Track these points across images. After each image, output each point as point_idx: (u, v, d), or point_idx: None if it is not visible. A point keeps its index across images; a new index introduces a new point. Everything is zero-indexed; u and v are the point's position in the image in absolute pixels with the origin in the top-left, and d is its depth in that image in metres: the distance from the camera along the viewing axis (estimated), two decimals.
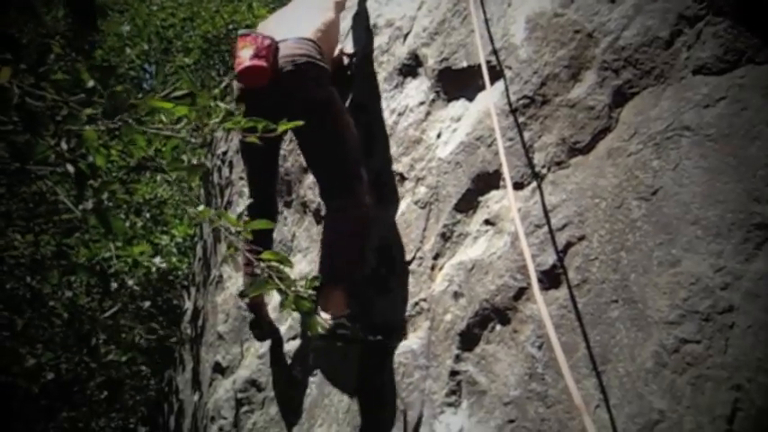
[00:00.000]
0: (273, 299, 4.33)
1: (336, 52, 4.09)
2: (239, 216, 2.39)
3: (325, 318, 3.26)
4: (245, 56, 3.49)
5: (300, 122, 2.87)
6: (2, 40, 1.95)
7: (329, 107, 3.56)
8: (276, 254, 2.30)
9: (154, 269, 6.46)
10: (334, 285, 3.35)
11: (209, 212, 2.35)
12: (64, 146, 2.05)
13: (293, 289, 2.19)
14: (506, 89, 2.90)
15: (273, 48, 3.53)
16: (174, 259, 7.31)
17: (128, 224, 6.69)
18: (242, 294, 3.99)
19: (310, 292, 2.24)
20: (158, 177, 7.66)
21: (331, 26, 3.88)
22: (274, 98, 3.48)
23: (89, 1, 1.93)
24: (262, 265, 2.25)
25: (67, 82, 2.02)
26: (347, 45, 4.38)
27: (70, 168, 2.12)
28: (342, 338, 3.24)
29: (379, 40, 4.04)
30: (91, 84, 2.05)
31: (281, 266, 2.26)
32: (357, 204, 3.44)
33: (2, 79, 1.84)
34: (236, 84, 3.76)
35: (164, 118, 3.00)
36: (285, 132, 2.87)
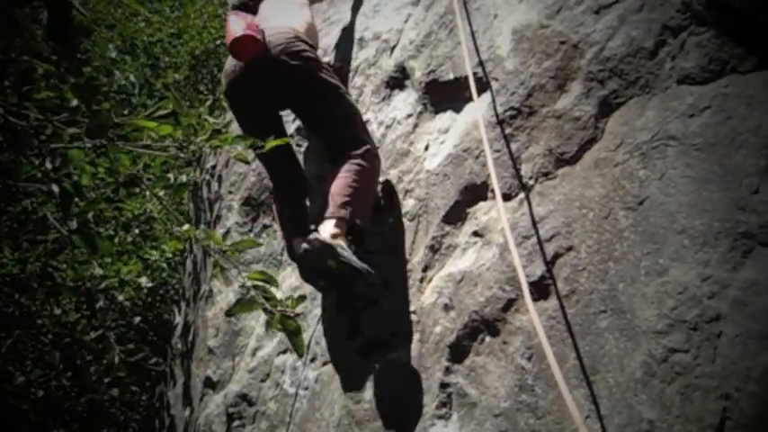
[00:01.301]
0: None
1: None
2: (226, 234, 2.39)
3: (323, 237, 3.21)
4: (237, 28, 3.53)
5: (286, 140, 2.89)
6: None
7: (324, 76, 3.58)
8: (263, 273, 2.29)
9: (143, 286, 6.43)
10: (336, 217, 3.29)
11: (194, 231, 2.34)
12: (48, 165, 2.04)
13: (279, 308, 2.18)
14: (493, 101, 2.91)
15: (261, 29, 3.58)
16: (164, 274, 7.28)
17: (117, 240, 6.66)
18: (228, 313, 3.98)
19: (296, 311, 2.23)
20: (147, 193, 7.64)
21: (311, 21, 3.95)
22: (265, 81, 3.52)
23: (65, 21, 1.93)
24: (248, 283, 2.24)
25: (51, 101, 2.01)
26: (334, 57, 4.39)
27: (55, 188, 2.11)
28: (335, 257, 3.16)
29: (367, 53, 4.04)
30: (75, 103, 2.04)
31: (268, 286, 2.25)
32: (371, 151, 3.45)
33: None
34: (223, 77, 3.79)
35: (153, 134, 2.99)
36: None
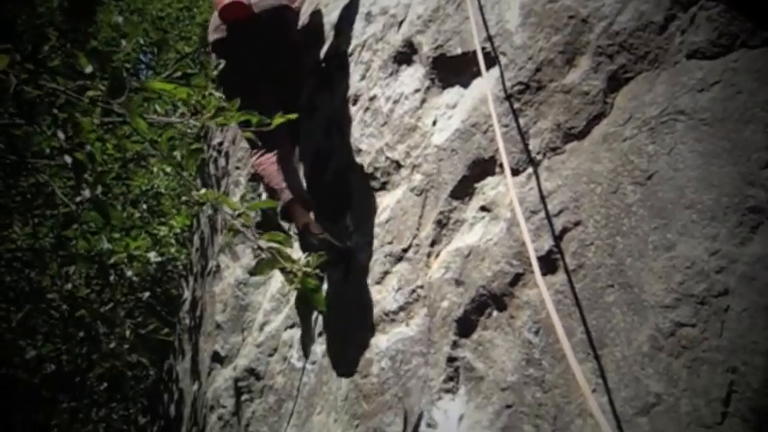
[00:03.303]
0: (273, 284, 4.34)
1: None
2: (241, 199, 2.42)
3: (313, 230, 3.63)
4: None
5: (294, 115, 2.96)
6: (0, 28, 1.95)
7: (299, 52, 4.14)
8: (277, 234, 2.32)
9: (152, 261, 6.47)
10: (294, 203, 3.73)
11: (211, 195, 2.36)
12: (61, 135, 2.06)
13: (297, 267, 2.21)
14: (501, 75, 2.90)
15: None
16: (172, 250, 7.32)
17: (125, 216, 6.69)
18: (251, 273, 4.21)
19: (317, 270, 2.27)
20: (155, 169, 7.65)
21: None
22: (250, 42, 3.72)
23: None
24: (264, 245, 2.26)
25: (65, 68, 2.02)
26: (338, 32, 4.39)
27: (67, 159, 2.13)
28: (309, 247, 3.53)
29: (374, 28, 4.03)
30: (89, 69, 2.05)
31: (282, 246, 2.28)
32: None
33: None
34: (210, 35, 3.97)
35: (158, 108, 2.99)
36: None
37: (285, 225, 4.10)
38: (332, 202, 4.00)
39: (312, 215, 3.77)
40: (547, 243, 2.45)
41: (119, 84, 2.02)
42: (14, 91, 1.98)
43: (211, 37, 4.02)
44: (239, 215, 2.49)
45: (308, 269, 2.32)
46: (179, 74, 2.20)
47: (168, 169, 7.23)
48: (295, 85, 4.24)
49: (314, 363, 3.75)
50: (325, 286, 3.80)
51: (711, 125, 2.06)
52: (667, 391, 1.92)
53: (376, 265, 3.40)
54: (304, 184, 4.10)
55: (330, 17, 4.53)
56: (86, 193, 2.28)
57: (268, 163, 3.91)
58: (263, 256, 2.38)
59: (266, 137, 3.35)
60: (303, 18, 4.85)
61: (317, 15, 4.68)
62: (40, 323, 4.77)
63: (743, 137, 1.97)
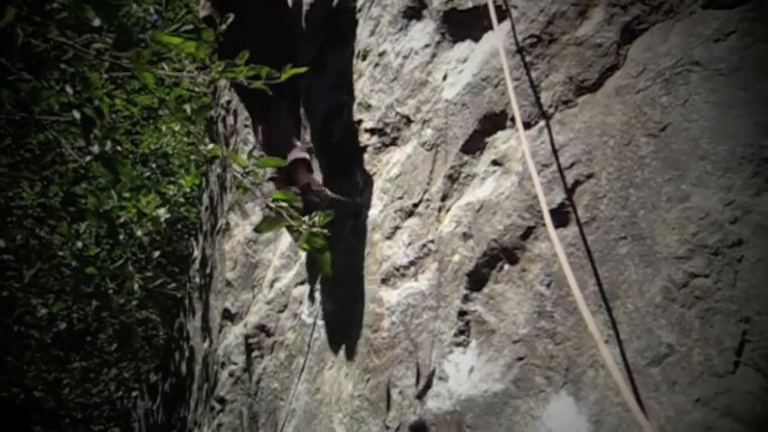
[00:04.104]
0: (283, 241, 4.35)
1: None
2: (248, 155, 2.40)
3: (295, 190, 3.67)
4: None
5: (305, 68, 2.93)
6: None
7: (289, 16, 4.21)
8: (285, 193, 2.31)
9: (162, 219, 6.49)
10: (293, 165, 3.78)
11: (219, 149, 2.35)
12: (69, 90, 2.04)
13: (305, 227, 2.20)
14: (513, 28, 2.87)
15: None
16: (182, 209, 7.33)
17: (135, 174, 6.69)
18: (256, 230, 4.21)
19: (323, 230, 2.26)
20: (163, 128, 7.64)
21: None
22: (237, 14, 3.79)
23: None
24: (272, 204, 2.26)
25: (73, 20, 2.00)
26: None
27: (76, 114, 2.12)
28: (312, 205, 3.55)
29: None
30: (97, 22, 2.03)
31: (290, 205, 2.27)
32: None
33: (6, 20, 1.82)
34: (200, 12, 4.07)
35: (166, 67, 2.97)
36: None
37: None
38: (342, 158, 3.99)
39: (313, 174, 3.79)
40: (559, 196, 2.44)
41: (126, 37, 2.00)
42: (21, 44, 1.97)
43: (201, 13, 4.06)
44: (248, 172, 2.48)
45: (315, 229, 2.32)
46: (188, 27, 2.18)
47: (177, 128, 7.21)
48: (290, 51, 4.16)
49: (324, 318, 3.77)
50: (336, 243, 3.81)
51: (727, 75, 2.04)
52: (680, 341, 1.92)
53: (386, 221, 3.40)
54: (304, 144, 4.11)
55: None
56: (95, 148, 2.27)
57: (265, 126, 3.93)
58: (269, 213, 2.38)
59: (261, 101, 3.36)
60: None
61: None
62: (50, 281, 4.80)
63: (759, 87, 1.95)
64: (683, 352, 1.91)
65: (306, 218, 2.33)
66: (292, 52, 4.11)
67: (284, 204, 2.27)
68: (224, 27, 2.45)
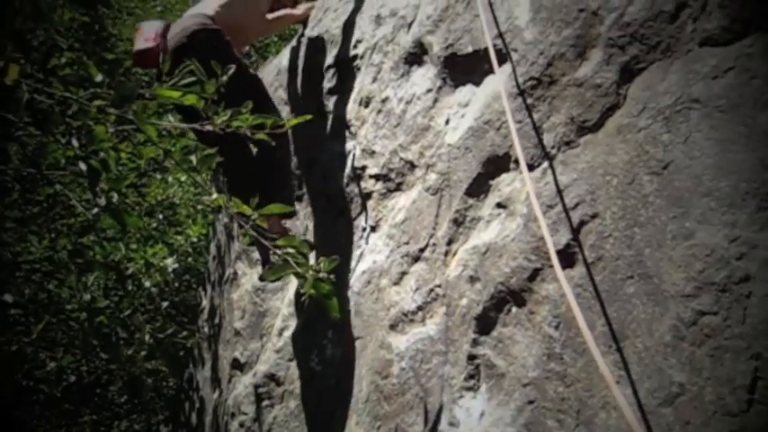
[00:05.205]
0: (290, 289, 4.34)
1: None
2: (257, 206, 2.41)
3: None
4: (137, 43, 3.97)
5: (309, 116, 2.97)
6: (12, 39, 1.96)
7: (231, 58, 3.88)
8: (292, 239, 2.32)
9: (170, 269, 6.50)
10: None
11: (223, 200, 2.36)
12: (75, 143, 2.06)
13: (311, 273, 2.20)
14: (513, 71, 2.90)
15: (162, 30, 4.01)
16: (189, 259, 7.34)
17: (141, 225, 6.71)
18: (261, 278, 4.23)
19: (330, 275, 2.26)
20: (169, 179, 7.69)
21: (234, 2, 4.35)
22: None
23: None
24: (278, 251, 2.26)
25: (76, 76, 2.03)
26: (345, 36, 4.40)
27: (82, 166, 2.14)
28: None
29: (384, 30, 4.03)
30: (99, 78, 2.06)
31: (299, 252, 2.28)
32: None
33: (11, 77, 1.85)
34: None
35: (171, 118, 3.00)
36: None
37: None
38: (348, 205, 4.00)
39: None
40: (564, 237, 2.44)
41: (125, 93, 2.02)
42: (27, 101, 1.99)
43: (141, 45, 4.12)
44: (253, 221, 2.49)
45: (321, 274, 2.32)
46: (189, 80, 2.20)
47: (183, 178, 7.25)
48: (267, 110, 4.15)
49: (334, 366, 3.75)
50: (344, 289, 3.80)
51: (726, 112, 2.05)
52: (691, 380, 1.90)
53: (393, 266, 3.40)
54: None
55: (339, 21, 4.54)
56: (102, 200, 2.29)
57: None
58: (275, 260, 2.39)
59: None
60: (313, 23, 4.86)
61: (325, 20, 4.71)
62: (59, 335, 4.80)
63: (759, 122, 1.96)
64: (694, 391, 1.89)
65: (312, 263, 2.33)
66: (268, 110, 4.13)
67: (290, 251, 2.27)
68: (225, 78, 2.47)
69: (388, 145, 3.69)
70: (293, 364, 4.21)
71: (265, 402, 4.42)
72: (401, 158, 3.55)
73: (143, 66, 3.99)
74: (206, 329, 6.29)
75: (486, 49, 2.99)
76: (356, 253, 3.81)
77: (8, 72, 1.85)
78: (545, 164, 2.65)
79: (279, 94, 4.82)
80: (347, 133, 4.15)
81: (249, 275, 5.14)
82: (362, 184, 3.87)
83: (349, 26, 4.44)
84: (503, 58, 2.98)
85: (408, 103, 3.62)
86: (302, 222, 4.47)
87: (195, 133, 3.65)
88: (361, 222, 3.86)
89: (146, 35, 4.01)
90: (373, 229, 3.70)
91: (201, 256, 7.49)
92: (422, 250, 3.23)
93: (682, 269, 2.02)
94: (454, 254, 3.02)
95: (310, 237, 4.33)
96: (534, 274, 2.54)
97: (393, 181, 3.61)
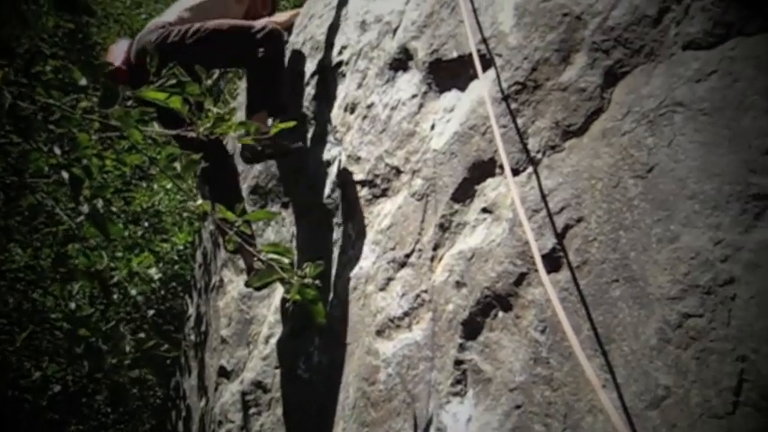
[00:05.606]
0: (276, 296, 4.33)
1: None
2: (241, 212, 2.39)
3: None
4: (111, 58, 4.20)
5: (293, 123, 2.98)
6: None
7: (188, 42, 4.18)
8: (277, 245, 2.31)
9: (156, 278, 6.46)
10: (257, 112, 4.20)
11: (207, 206, 2.35)
12: (57, 151, 2.05)
13: (296, 278, 2.19)
14: (498, 76, 2.90)
15: (128, 47, 4.26)
16: (175, 266, 7.30)
17: (127, 234, 6.68)
18: (247, 284, 4.23)
19: (315, 281, 2.25)
20: (155, 186, 7.66)
21: (203, 5, 4.50)
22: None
23: None
24: (262, 257, 2.25)
25: (59, 81, 2.02)
26: (328, 42, 4.41)
27: (65, 174, 2.12)
28: (270, 154, 4.10)
29: (369, 36, 4.03)
30: (83, 82, 2.05)
31: (282, 258, 2.27)
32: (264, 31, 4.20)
33: None
34: None
35: (156, 126, 2.99)
36: None
37: None
38: (334, 212, 3.99)
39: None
40: (550, 241, 2.44)
41: (111, 93, 2.02)
42: (9, 107, 1.98)
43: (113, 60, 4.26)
44: (238, 227, 2.48)
45: (306, 280, 2.31)
46: (173, 81, 2.19)
47: (169, 186, 7.23)
48: None
49: (320, 373, 3.73)
50: (330, 295, 3.79)
51: (710, 115, 2.06)
52: (677, 383, 1.90)
53: (379, 272, 3.39)
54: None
55: (323, 27, 4.54)
56: (85, 208, 2.27)
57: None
58: (259, 266, 2.38)
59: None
60: (298, 29, 4.86)
61: (310, 26, 4.71)
62: (44, 343, 4.76)
63: (743, 125, 1.96)
64: (680, 394, 1.89)
65: (297, 270, 2.32)
66: None
67: (275, 256, 2.26)
68: (210, 82, 2.46)
69: (373, 151, 3.69)
70: (280, 371, 4.20)
71: (252, 410, 4.40)
72: (387, 164, 3.55)
73: (116, 81, 4.01)
74: (192, 337, 6.25)
75: (470, 55, 2.99)
76: (342, 259, 3.80)
77: None
78: (530, 168, 2.66)
79: None
80: (333, 139, 4.15)
81: (235, 283, 5.12)
82: (348, 191, 3.87)
83: (334, 32, 4.44)
84: (487, 63, 2.98)
85: (394, 108, 3.62)
86: (288, 229, 4.45)
87: (176, 139, 3.66)
88: (347, 229, 3.85)
89: (114, 56, 4.18)
90: (359, 235, 3.69)
91: (188, 263, 7.46)
92: (408, 256, 3.23)
93: (667, 272, 2.02)
94: (440, 259, 3.02)
95: (296, 243, 4.32)
96: (520, 279, 2.54)
97: (379, 187, 3.60)
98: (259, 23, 4.22)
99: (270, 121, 4.24)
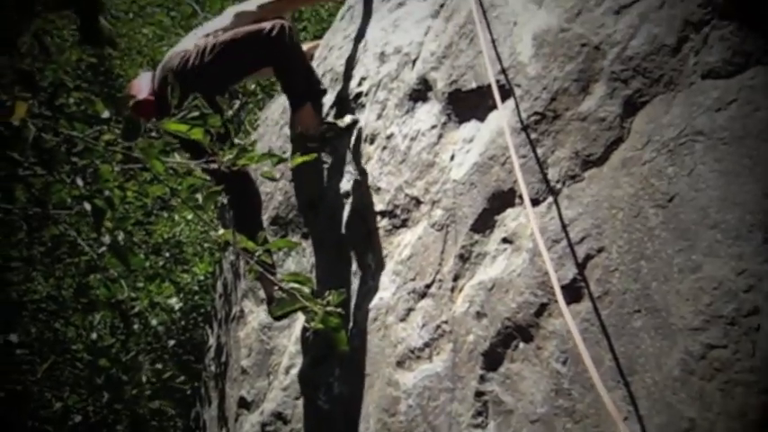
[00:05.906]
0: (297, 326, 4.33)
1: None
2: (263, 242, 2.40)
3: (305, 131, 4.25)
4: (135, 91, 4.28)
5: (314, 155, 3.03)
6: (20, 77, 1.98)
7: (210, 58, 4.24)
8: (297, 275, 2.31)
9: (176, 308, 6.48)
10: (301, 105, 4.33)
11: (229, 235, 2.36)
12: (80, 182, 2.07)
13: (319, 306, 2.19)
14: (517, 107, 2.91)
15: (151, 78, 4.36)
16: (196, 297, 7.31)
17: (148, 264, 6.71)
18: (270, 313, 4.26)
19: (338, 308, 2.25)
20: (176, 217, 7.70)
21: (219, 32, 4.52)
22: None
23: (95, 26, 1.96)
24: (284, 285, 2.26)
25: (82, 114, 2.05)
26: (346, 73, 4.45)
27: (87, 206, 2.14)
28: (326, 139, 4.25)
29: (388, 68, 4.06)
30: (106, 114, 2.08)
31: (303, 287, 2.27)
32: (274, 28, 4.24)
33: (18, 116, 1.86)
34: None
35: (177, 156, 3.02)
36: None
37: None
38: (354, 242, 3.99)
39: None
40: (570, 271, 2.43)
41: (133, 126, 2.04)
42: (33, 139, 2.00)
43: (137, 94, 4.33)
44: (259, 256, 2.49)
45: (330, 308, 2.31)
46: (195, 114, 2.22)
47: (190, 217, 7.27)
48: None
49: (341, 404, 3.72)
50: (350, 326, 3.78)
51: (730, 144, 2.05)
52: (701, 415, 1.88)
53: (400, 303, 3.38)
54: None
55: (343, 59, 4.57)
56: (107, 239, 2.29)
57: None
58: (280, 295, 2.38)
59: None
60: (317, 61, 4.90)
61: (330, 58, 4.76)
62: (65, 374, 4.78)
63: (763, 153, 1.95)
64: (705, 426, 1.86)
65: (319, 299, 2.32)
66: None
67: (296, 285, 2.26)
68: (231, 113, 2.49)
69: (393, 181, 3.70)
70: (300, 402, 4.18)
71: None
72: (406, 195, 3.55)
73: (142, 115, 4.06)
74: (213, 368, 6.25)
75: (489, 85, 3.00)
76: (362, 290, 3.79)
77: (15, 110, 1.86)
78: (550, 198, 2.65)
79: (285, 132, 4.84)
80: (352, 170, 4.16)
81: (256, 313, 5.12)
82: (368, 221, 3.87)
83: (353, 64, 4.48)
84: (506, 93, 2.99)
85: (413, 139, 3.63)
86: (308, 259, 4.46)
87: (202, 169, 3.69)
88: (367, 259, 3.85)
89: (138, 89, 4.26)
90: (379, 265, 3.69)
91: (208, 294, 7.47)
92: (428, 286, 3.22)
93: (689, 302, 2.00)
94: (460, 290, 3.01)
95: (316, 274, 4.32)
96: (541, 309, 2.53)
97: (398, 217, 3.61)
98: (268, 23, 4.28)
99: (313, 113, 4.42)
